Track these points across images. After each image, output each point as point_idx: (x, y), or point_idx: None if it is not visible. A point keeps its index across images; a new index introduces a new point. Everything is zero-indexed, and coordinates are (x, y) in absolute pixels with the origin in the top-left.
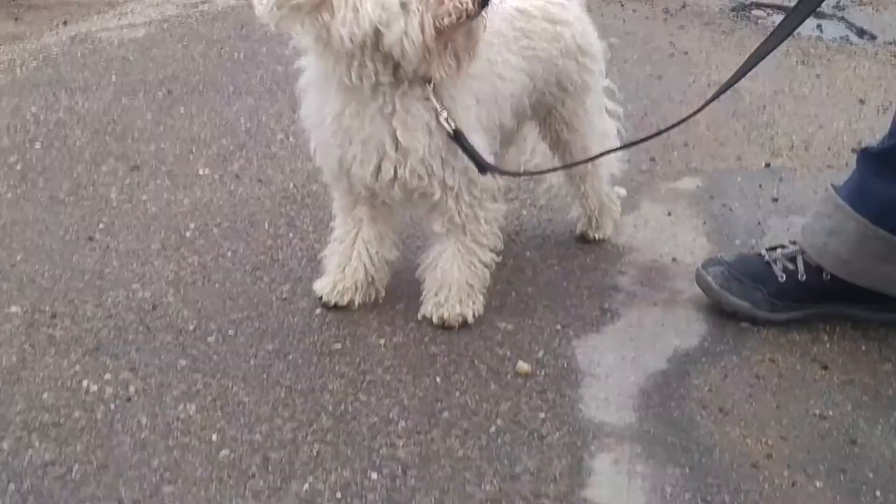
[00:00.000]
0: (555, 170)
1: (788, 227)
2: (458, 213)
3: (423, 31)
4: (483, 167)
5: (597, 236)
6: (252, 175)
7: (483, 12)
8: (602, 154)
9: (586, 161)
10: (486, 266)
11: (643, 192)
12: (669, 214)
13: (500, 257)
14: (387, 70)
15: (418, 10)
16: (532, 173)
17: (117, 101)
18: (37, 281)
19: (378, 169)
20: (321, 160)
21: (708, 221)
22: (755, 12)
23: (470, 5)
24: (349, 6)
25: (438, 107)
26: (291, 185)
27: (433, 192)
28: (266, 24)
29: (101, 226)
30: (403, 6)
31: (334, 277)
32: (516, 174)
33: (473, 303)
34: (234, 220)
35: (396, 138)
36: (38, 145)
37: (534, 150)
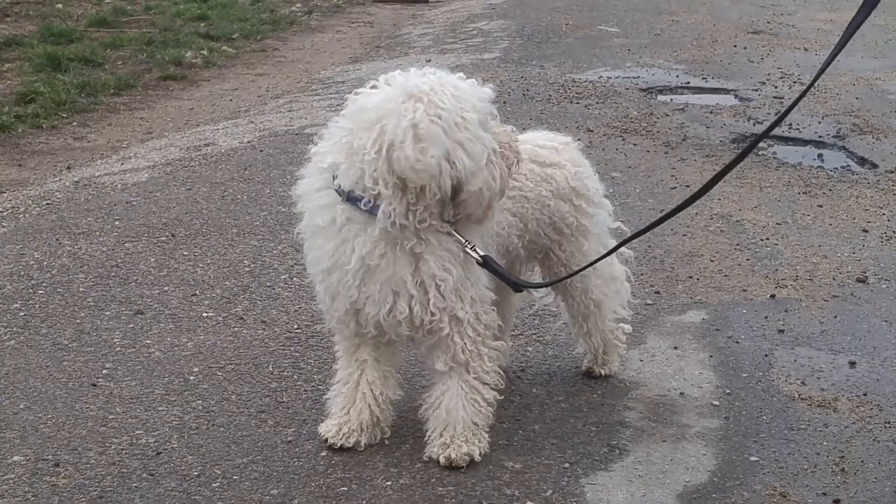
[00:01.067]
0: (575, 274)
1: (795, 359)
2: (462, 350)
3: (501, 180)
4: (517, 285)
5: (603, 372)
6: (256, 316)
7: None
8: (594, 261)
9: (590, 265)
10: (489, 404)
11: (649, 326)
12: (676, 348)
13: (503, 396)
14: (438, 213)
15: (496, 162)
16: (556, 281)
17: (121, 246)
18: (40, 429)
19: (392, 309)
20: (328, 304)
21: (714, 355)
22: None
23: (519, 156)
24: (441, 159)
25: (463, 240)
26: (296, 326)
27: (442, 328)
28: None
29: (104, 371)
30: (488, 158)
31: (339, 419)
32: (543, 284)
33: (479, 441)
34: (239, 363)
35: (419, 274)
36: (41, 291)
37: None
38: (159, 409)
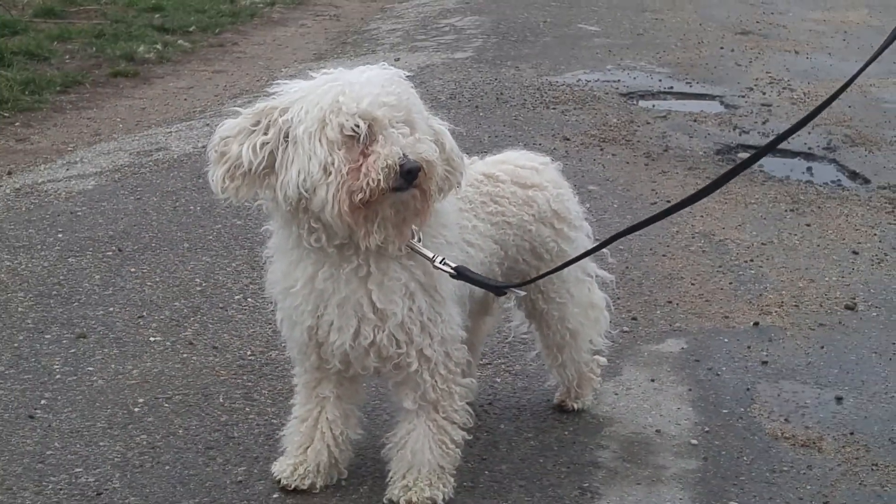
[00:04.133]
0: (555, 270)
1: (779, 393)
2: (433, 388)
3: (339, 204)
4: (499, 288)
5: (576, 406)
6: (207, 341)
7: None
8: (556, 269)
9: (560, 268)
10: (457, 445)
11: (625, 356)
12: (653, 381)
13: (472, 435)
14: (327, 235)
15: (332, 184)
16: (539, 277)
17: (63, 261)
18: None
19: (357, 333)
20: (288, 332)
21: (693, 388)
22: (741, 154)
23: (381, 182)
24: (285, 169)
25: (429, 253)
26: (249, 353)
27: (409, 363)
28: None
29: (43, 402)
30: (325, 171)
31: (295, 459)
32: (526, 282)
33: (444, 485)
34: (187, 393)
35: (374, 302)
36: None
37: (516, 315)
38: (101, 444)
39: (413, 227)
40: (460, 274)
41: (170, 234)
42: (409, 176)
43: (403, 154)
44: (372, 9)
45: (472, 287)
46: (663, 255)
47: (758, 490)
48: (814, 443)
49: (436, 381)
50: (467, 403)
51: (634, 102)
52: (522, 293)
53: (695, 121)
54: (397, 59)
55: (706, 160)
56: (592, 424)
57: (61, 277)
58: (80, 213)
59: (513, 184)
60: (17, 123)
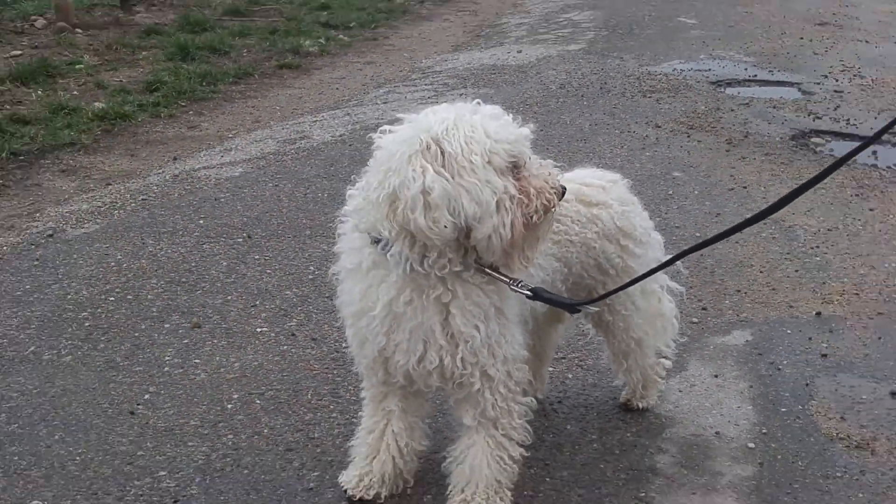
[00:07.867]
0: (630, 284)
1: (836, 388)
2: (493, 406)
3: (513, 228)
4: (573, 306)
5: (640, 405)
6: (308, 332)
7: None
8: (633, 281)
9: (631, 283)
10: (515, 462)
11: (692, 349)
12: (716, 376)
13: (537, 437)
14: (459, 260)
15: (509, 208)
16: (611, 293)
17: (198, 248)
18: (67, 467)
19: (422, 358)
20: (357, 349)
21: (754, 384)
22: (814, 139)
23: (555, 199)
24: (446, 203)
25: (508, 279)
26: (344, 345)
27: (473, 382)
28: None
29: (146, 397)
30: (499, 204)
31: (361, 470)
32: (598, 298)
33: (501, 500)
34: (280, 389)
35: (449, 326)
36: (112, 298)
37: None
38: (189, 444)
39: None
40: (537, 295)
41: (296, 222)
42: (563, 192)
43: None
44: (506, 4)
45: (532, 304)
46: (736, 242)
47: (810, 498)
48: (867, 444)
49: (496, 399)
50: (537, 399)
51: (722, 90)
52: (595, 310)
53: (774, 107)
54: (520, 51)
55: (781, 146)
56: (655, 426)
57: (193, 264)
58: (223, 200)
59: (577, 202)
60: (190, 112)
